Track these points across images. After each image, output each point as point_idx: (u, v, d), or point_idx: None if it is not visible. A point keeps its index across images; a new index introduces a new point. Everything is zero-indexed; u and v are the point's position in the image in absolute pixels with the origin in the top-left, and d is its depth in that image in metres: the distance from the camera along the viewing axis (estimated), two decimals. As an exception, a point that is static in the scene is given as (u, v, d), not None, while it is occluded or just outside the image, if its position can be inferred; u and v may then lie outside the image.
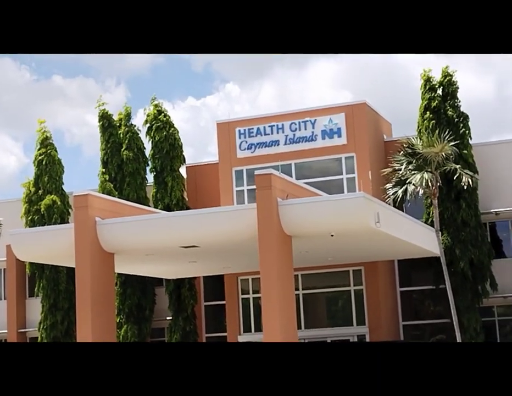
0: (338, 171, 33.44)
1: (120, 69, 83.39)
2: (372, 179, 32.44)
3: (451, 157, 27.66)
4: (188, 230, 25.14)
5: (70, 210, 36.74)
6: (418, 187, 26.77)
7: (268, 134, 34.15)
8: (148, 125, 36.82)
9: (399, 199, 27.44)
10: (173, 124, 36.85)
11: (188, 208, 35.19)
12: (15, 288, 39.04)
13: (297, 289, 31.08)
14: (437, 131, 29.29)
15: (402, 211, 30.73)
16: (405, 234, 27.19)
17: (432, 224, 29.73)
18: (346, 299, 33.81)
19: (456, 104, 33.65)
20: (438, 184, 27.64)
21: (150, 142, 36.69)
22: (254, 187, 24.32)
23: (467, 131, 33.11)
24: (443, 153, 26.92)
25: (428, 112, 33.29)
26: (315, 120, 33.57)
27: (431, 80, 33.82)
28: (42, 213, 37.06)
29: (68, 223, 35.58)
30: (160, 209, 34.70)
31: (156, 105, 36.93)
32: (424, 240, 29.12)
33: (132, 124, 37.75)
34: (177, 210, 34.70)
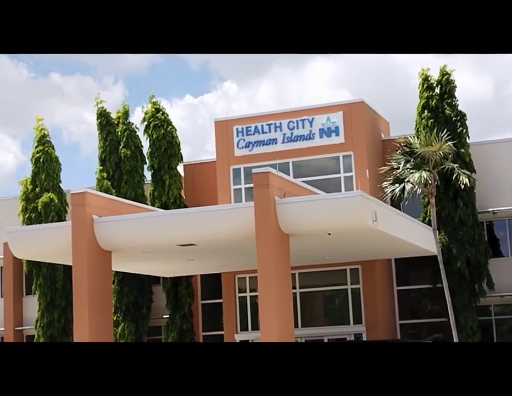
0: (336, 169, 33.43)
1: (117, 66, 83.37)
2: (370, 177, 32.44)
3: (449, 156, 27.68)
4: (185, 228, 25.13)
5: (67, 208, 36.68)
6: (416, 186, 26.79)
7: (266, 132, 34.13)
8: (145, 123, 36.81)
9: (396, 198, 27.45)
10: (171, 122, 36.83)
11: (185, 206, 35.15)
12: (12, 286, 39.02)
13: (294, 288, 31.05)
14: (435, 130, 29.30)
15: (400, 210, 30.73)
16: (403, 232, 27.19)
17: (429, 223, 29.73)
18: (343, 298, 33.81)
19: (453, 103, 33.65)
20: (436, 183, 27.66)
21: (148, 140, 36.67)
22: (252, 185, 24.30)
23: (464, 130, 33.11)
24: (441, 152, 26.94)
25: (426, 111, 33.29)
26: (313, 118, 33.55)
27: (429, 79, 33.81)
28: (39, 210, 37.02)
29: (65, 220, 35.51)
30: (158, 207, 34.69)
31: (154, 103, 36.90)
32: (422, 238, 29.12)
33: (129, 122, 37.73)
34: (174, 208, 34.68)
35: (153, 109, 36.73)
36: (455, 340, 27.52)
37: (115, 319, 34.81)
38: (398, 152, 27.93)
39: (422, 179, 26.59)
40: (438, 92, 33.71)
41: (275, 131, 33.99)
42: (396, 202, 29.50)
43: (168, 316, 35.87)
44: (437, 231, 28.30)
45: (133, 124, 37.77)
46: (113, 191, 35.76)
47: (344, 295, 33.72)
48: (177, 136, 36.79)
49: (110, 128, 37.35)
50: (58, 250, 26.29)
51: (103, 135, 37.37)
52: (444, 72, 33.83)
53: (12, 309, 38.90)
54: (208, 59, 76.52)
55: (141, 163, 37.27)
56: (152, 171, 36.46)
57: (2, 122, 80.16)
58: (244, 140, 34.35)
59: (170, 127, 36.59)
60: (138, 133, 37.57)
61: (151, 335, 36.92)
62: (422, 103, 33.54)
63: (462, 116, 33.42)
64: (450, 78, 33.79)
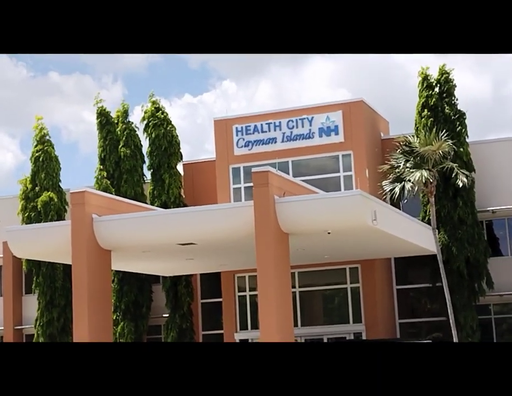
0: (335, 169, 33.43)
1: (116, 66, 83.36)
2: (369, 176, 32.45)
3: (448, 155, 27.69)
4: (185, 228, 25.13)
5: (66, 207, 36.68)
6: (416, 186, 26.80)
7: (266, 131, 34.14)
8: (145, 122, 36.80)
9: (396, 197, 27.46)
10: (170, 121, 36.81)
11: (185, 206, 35.14)
12: (11, 285, 39.01)
13: (294, 287, 31.07)
14: (434, 129, 29.31)
15: (399, 209, 30.74)
16: (402, 231, 27.19)
17: (428, 222, 29.75)
18: (342, 297, 33.82)
19: (453, 102, 33.64)
20: (435, 182, 27.68)
21: (148, 139, 36.66)
22: (251, 184, 24.31)
23: (463, 129, 33.11)
24: (440, 151, 26.95)
25: (425, 110, 33.28)
26: (312, 117, 33.56)
27: (429, 78, 33.80)
28: (39, 210, 37.02)
29: (65, 219, 35.51)
30: (157, 206, 34.68)
31: (153, 102, 36.89)
32: (421, 238, 29.13)
33: (129, 121, 37.72)
34: (174, 207, 34.67)
35: (153, 108, 36.71)
36: (455, 339, 27.55)
37: (114, 318, 34.82)
38: (397, 151, 27.95)
39: (423, 177, 26.60)
40: (438, 91, 33.70)
41: (274, 130, 33.99)
42: (395, 201, 29.51)
43: (168, 315, 35.87)
44: (437, 230, 28.31)
45: (132, 123, 37.79)
46: (113, 190, 35.76)
47: (344, 294, 33.74)
48: (176, 135, 36.78)
49: (110, 127, 37.34)
50: (58, 249, 26.29)
51: (103, 134, 37.36)
52: (443, 72, 33.83)
53: (12, 308, 38.90)
54: (207, 58, 76.57)
55: (141, 162, 37.27)
56: (152, 170, 36.45)
57: (1, 121, 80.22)
58: (243, 139, 34.35)
59: (170, 126, 36.58)
60: (137, 132, 37.58)
61: (150, 334, 36.92)
62: (421, 102, 33.53)
63: (461, 115, 33.41)
64: (449, 77, 33.79)
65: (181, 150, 36.94)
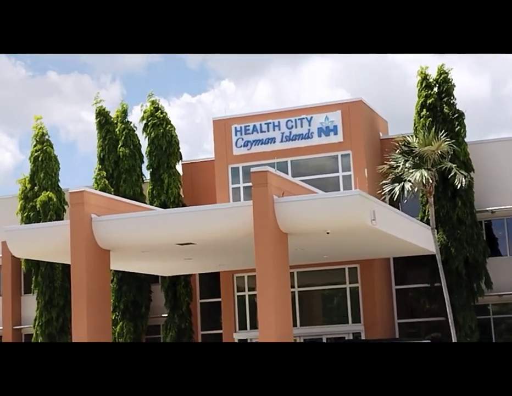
0: (334, 168, 33.44)
1: (115, 65, 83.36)
2: (368, 176, 32.45)
3: (447, 155, 27.69)
4: (184, 227, 25.13)
5: (65, 207, 36.66)
6: (416, 185, 26.81)
7: (265, 131, 34.14)
8: (144, 121, 36.79)
9: (395, 197, 27.47)
10: (169, 121, 36.80)
11: (184, 205, 35.14)
12: (10, 285, 39.01)
13: (292, 287, 31.07)
14: (433, 129, 29.31)
15: (398, 209, 30.75)
16: (401, 231, 27.20)
17: (427, 222, 29.76)
18: (341, 297, 33.83)
19: (451, 102, 33.65)
20: (434, 182, 27.68)
21: (147, 138, 36.65)
22: (250, 184, 24.30)
23: (462, 129, 33.12)
24: (439, 151, 26.96)
25: (424, 109, 33.28)
26: (311, 117, 33.56)
27: (427, 77, 33.80)
28: (38, 209, 37.01)
29: (64, 219, 35.51)
30: (156, 206, 34.67)
31: (153, 102, 36.87)
32: (420, 238, 29.13)
33: (128, 121, 37.70)
34: (173, 207, 34.67)
35: (152, 108, 36.70)
36: (454, 339, 27.55)
37: (113, 318, 34.83)
38: (396, 151, 27.95)
39: (423, 177, 26.60)
40: (436, 91, 33.71)
41: (273, 130, 33.99)
42: (395, 201, 29.52)
43: (166, 315, 35.87)
44: (435, 230, 28.32)
45: (131, 122, 37.78)
46: (112, 190, 35.75)
47: (343, 294, 33.74)
48: (176, 135, 36.76)
49: (109, 127, 37.32)
50: (57, 249, 26.28)
51: (102, 134, 37.34)
52: (442, 71, 33.84)
53: (11, 308, 38.90)
54: (205, 58, 76.56)
55: (140, 162, 37.26)
56: (151, 170, 36.44)
57: (0, 121, 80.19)
58: (242, 139, 34.34)
59: (169, 126, 36.57)
60: (136, 132, 37.57)
61: (149, 334, 36.93)
62: (420, 102, 33.54)
63: (460, 115, 33.41)
64: (448, 77, 33.80)
65: (180, 150, 36.94)
